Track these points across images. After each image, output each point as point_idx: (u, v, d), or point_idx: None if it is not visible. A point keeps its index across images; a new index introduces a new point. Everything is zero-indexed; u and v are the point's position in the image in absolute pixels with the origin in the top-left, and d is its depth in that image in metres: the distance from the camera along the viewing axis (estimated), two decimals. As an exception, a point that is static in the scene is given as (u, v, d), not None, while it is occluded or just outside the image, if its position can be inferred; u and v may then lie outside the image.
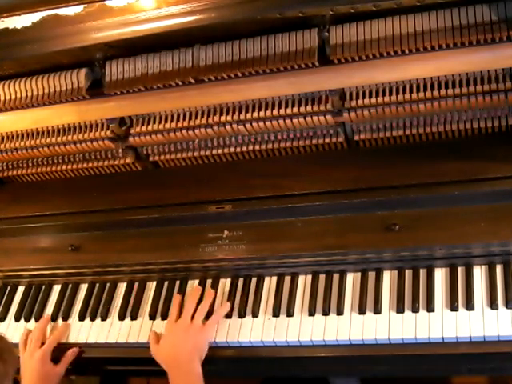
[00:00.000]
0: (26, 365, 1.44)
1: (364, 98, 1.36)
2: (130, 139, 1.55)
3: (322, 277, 1.40)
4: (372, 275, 1.37)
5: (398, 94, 1.34)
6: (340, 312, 1.33)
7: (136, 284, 1.54)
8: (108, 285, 1.56)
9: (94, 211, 1.58)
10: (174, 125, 1.50)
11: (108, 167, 1.66)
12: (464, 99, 1.31)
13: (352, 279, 1.38)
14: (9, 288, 1.66)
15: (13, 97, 1.55)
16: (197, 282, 1.49)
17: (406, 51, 1.28)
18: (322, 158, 1.50)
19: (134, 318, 1.48)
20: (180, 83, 1.43)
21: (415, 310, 1.28)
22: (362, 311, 1.31)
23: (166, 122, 1.51)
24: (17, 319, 1.58)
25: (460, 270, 1.32)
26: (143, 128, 1.52)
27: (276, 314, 1.37)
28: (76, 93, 1.50)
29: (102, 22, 1.32)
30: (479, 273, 1.30)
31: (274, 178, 1.47)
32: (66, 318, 1.53)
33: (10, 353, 1.15)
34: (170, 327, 1.39)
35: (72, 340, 1.49)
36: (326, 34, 1.33)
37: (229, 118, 1.45)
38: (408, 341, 1.25)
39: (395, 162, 1.41)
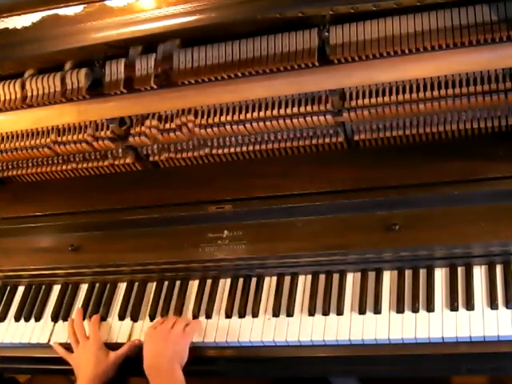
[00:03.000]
0: (81, 358, 1.41)
1: (364, 97, 1.36)
2: (130, 139, 1.55)
3: (322, 277, 1.40)
4: (372, 275, 1.36)
5: (397, 94, 1.34)
6: (340, 312, 1.33)
7: (136, 284, 1.54)
8: (108, 285, 1.56)
9: (93, 211, 1.58)
10: (173, 125, 1.50)
11: (108, 167, 1.66)
12: (464, 99, 1.31)
13: (352, 279, 1.38)
14: (9, 288, 1.65)
15: (13, 97, 1.55)
16: (197, 282, 1.49)
17: (406, 51, 1.28)
18: (322, 157, 1.50)
19: (133, 318, 1.47)
20: (180, 83, 1.43)
21: (415, 310, 1.28)
22: (361, 311, 1.31)
23: (165, 122, 1.51)
24: (17, 319, 1.57)
25: (460, 270, 1.32)
26: (143, 128, 1.52)
27: (276, 314, 1.37)
28: (76, 93, 1.50)
29: (101, 21, 1.32)
30: (479, 273, 1.30)
31: (274, 178, 1.47)
32: (65, 318, 1.53)
33: None
34: (150, 334, 1.37)
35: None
36: (326, 34, 1.34)
37: (229, 118, 1.45)
38: (408, 341, 1.25)
39: (395, 161, 1.41)
